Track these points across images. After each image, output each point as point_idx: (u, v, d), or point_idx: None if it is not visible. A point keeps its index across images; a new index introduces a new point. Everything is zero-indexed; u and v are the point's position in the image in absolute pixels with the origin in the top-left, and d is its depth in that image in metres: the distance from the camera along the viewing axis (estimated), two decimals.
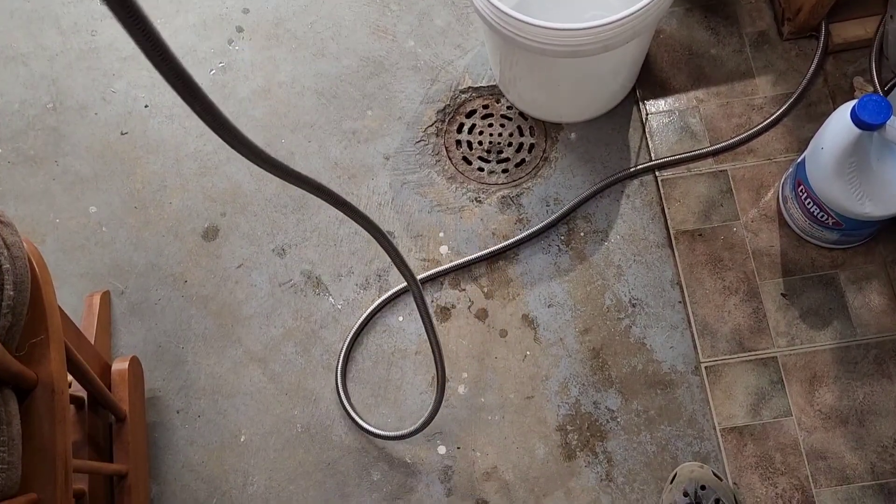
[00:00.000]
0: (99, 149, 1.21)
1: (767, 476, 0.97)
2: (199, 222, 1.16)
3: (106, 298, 1.11)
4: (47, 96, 1.24)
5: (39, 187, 1.19)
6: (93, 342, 1.03)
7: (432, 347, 0.86)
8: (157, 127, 1.21)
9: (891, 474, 0.96)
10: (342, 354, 1.06)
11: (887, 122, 0.85)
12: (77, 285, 1.13)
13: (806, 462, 0.97)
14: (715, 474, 0.95)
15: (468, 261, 1.10)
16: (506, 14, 0.91)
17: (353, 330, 1.07)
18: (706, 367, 1.02)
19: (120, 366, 1.02)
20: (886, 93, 1.09)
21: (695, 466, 0.96)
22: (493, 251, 1.09)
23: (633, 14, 0.89)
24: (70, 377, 0.86)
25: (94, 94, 1.24)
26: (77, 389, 0.94)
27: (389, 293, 1.08)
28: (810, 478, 0.97)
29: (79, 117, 1.23)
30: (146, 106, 1.23)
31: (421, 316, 0.80)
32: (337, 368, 1.06)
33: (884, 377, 1.00)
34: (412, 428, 0.96)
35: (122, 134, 1.21)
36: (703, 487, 0.93)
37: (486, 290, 1.09)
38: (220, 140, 0.45)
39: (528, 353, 1.06)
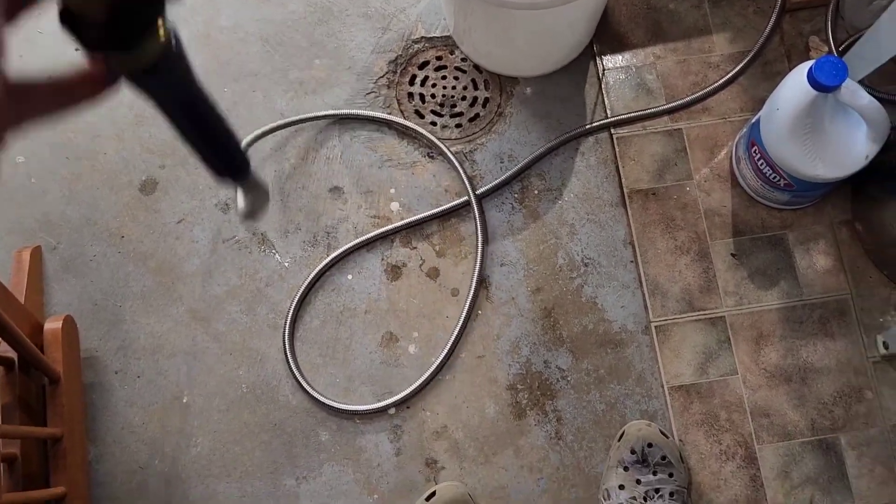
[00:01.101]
0: None
1: (712, 433, 0.99)
2: (136, 174, 1.10)
3: (37, 254, 1.05)
4: None
5: None
6: (23, 300, 0.98)
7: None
8: None
9: (829, 430, 0.99)
10: (289, 315, 1.03)
11: (842, 85, 0.85)
12: (5, 240, 1.07)
13: (750, 419, 0.99)
14: (662, 432, 0.96)
15: (420, 219, 1.07)
16: None
17: (301, 289, 1.04)
18: (656, 327, 1.03)
19: (53, 325, 0.97)
20: (841, 53, 1.09)
21: (642, 424, 0.97)
22: (446, 209, 1.07)
23: None
24: None
25: (19, 35, 1.15)
26: (6, 350, 0.89)
27: (340, 251, 1.05)
28: (753, 434, 0.99)
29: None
30: (77, 49, 1.14)
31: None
32: (284, 331, 1.03)
33: (827, 336, 1.02)
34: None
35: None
36: (649, 445, 0.94)
37: (437, 248, 1.07)
38: None
39: (479, 312, 1.04)
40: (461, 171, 1.06)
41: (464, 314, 1.03)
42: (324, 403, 1.00)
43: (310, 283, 1.05)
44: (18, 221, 1.08)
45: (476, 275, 1.03)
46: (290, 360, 1.02)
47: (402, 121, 1.09)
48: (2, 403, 0.89)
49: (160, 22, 0.32)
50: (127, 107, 1.11)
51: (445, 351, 1.01)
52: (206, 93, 0.36)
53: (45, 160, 1.10)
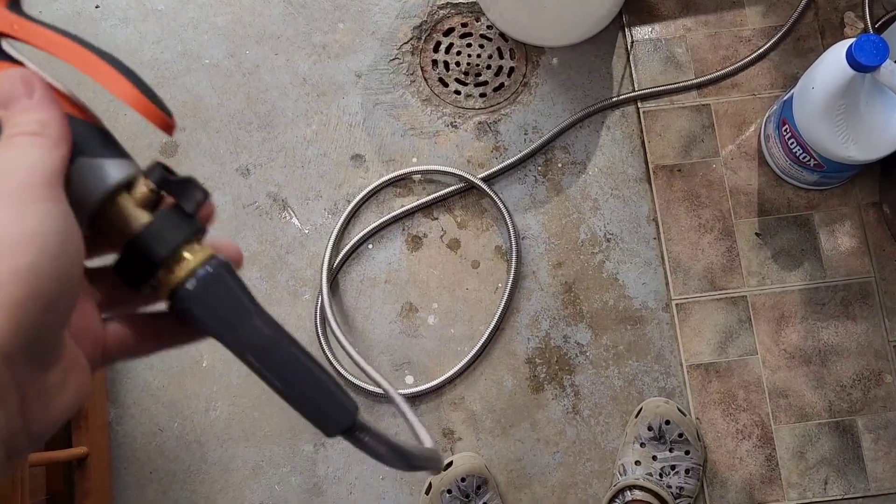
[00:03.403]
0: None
1: (730, 412, 0.99)
2: (156, 137, 1.09)
3: None
4: None
5: None
6: None
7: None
8: (110, 31, 1.12)
9: (847, 412, 0.99)
10: (323, 300, 1.03)
11: (882, 65, 0.83)
12: None
13: (768, 399, 0.99)
14: (679, 409, 0.96)
15: (444, 194, 1.06)
16: None
17: (338, 261, 1.03)
18: (677, 305, 1.02)
19: None
20: (878, 30, 1.06)
21: (660, 402, 0.97)
22: (470, 181, 1.06)
23: None
24: None
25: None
26: None
27: (372, 225, 1.04)
28: (770, 415, 0.99)
29: None
30: (97, 7, 1.13)
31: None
32: (316, 320, 1.02)
33: (848, 319, 1.01)
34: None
35: None
36: (667, 422, 0.95)
37: (459, 219, 1.06)
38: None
39: (499, 285, 1.04)
40: (507, 218, 1.04)
41: (499, 310, 1.01)
42: (350, 376, 1.00)
43: (346, 254, 1.04)
44: None
45: (510, 281, 1.02)
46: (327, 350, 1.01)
47: (481, 184, 1.05)
48: None
49: (182, 255, 0.28)
50: (148, 66, 1.10)
51: (484, 338, 1.01)
52: (271, 336, 0.30)
53: None
